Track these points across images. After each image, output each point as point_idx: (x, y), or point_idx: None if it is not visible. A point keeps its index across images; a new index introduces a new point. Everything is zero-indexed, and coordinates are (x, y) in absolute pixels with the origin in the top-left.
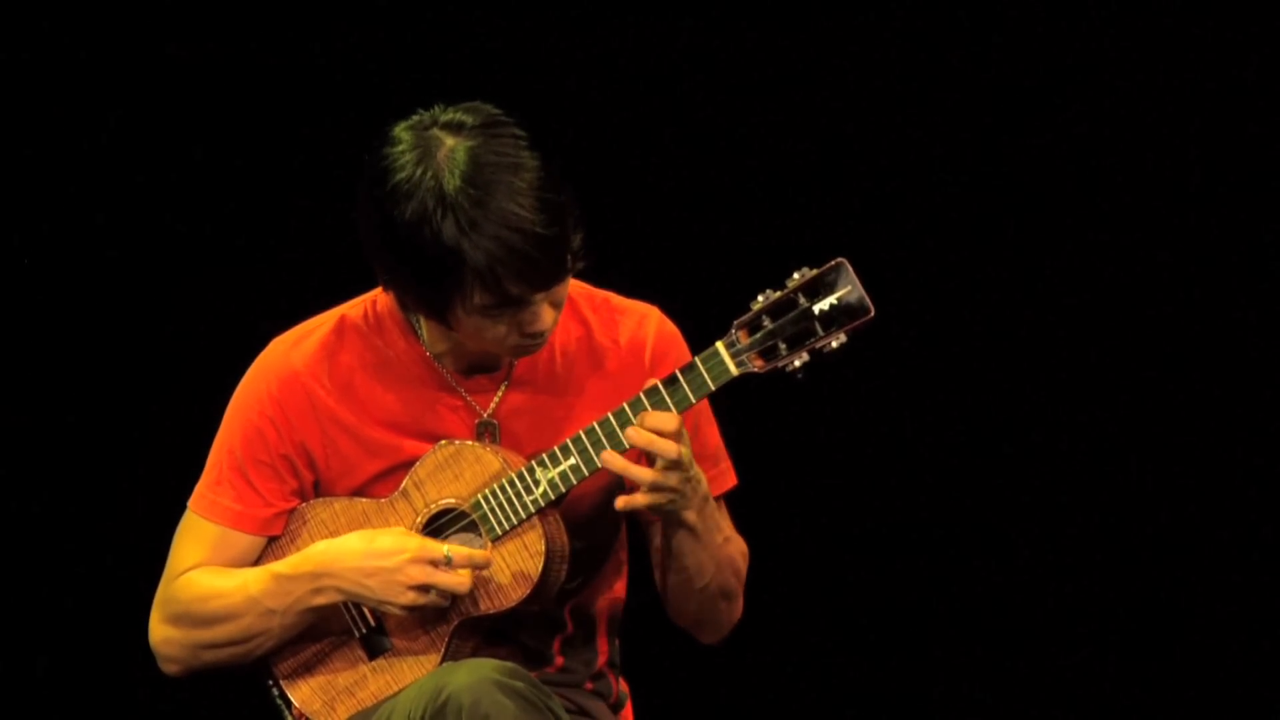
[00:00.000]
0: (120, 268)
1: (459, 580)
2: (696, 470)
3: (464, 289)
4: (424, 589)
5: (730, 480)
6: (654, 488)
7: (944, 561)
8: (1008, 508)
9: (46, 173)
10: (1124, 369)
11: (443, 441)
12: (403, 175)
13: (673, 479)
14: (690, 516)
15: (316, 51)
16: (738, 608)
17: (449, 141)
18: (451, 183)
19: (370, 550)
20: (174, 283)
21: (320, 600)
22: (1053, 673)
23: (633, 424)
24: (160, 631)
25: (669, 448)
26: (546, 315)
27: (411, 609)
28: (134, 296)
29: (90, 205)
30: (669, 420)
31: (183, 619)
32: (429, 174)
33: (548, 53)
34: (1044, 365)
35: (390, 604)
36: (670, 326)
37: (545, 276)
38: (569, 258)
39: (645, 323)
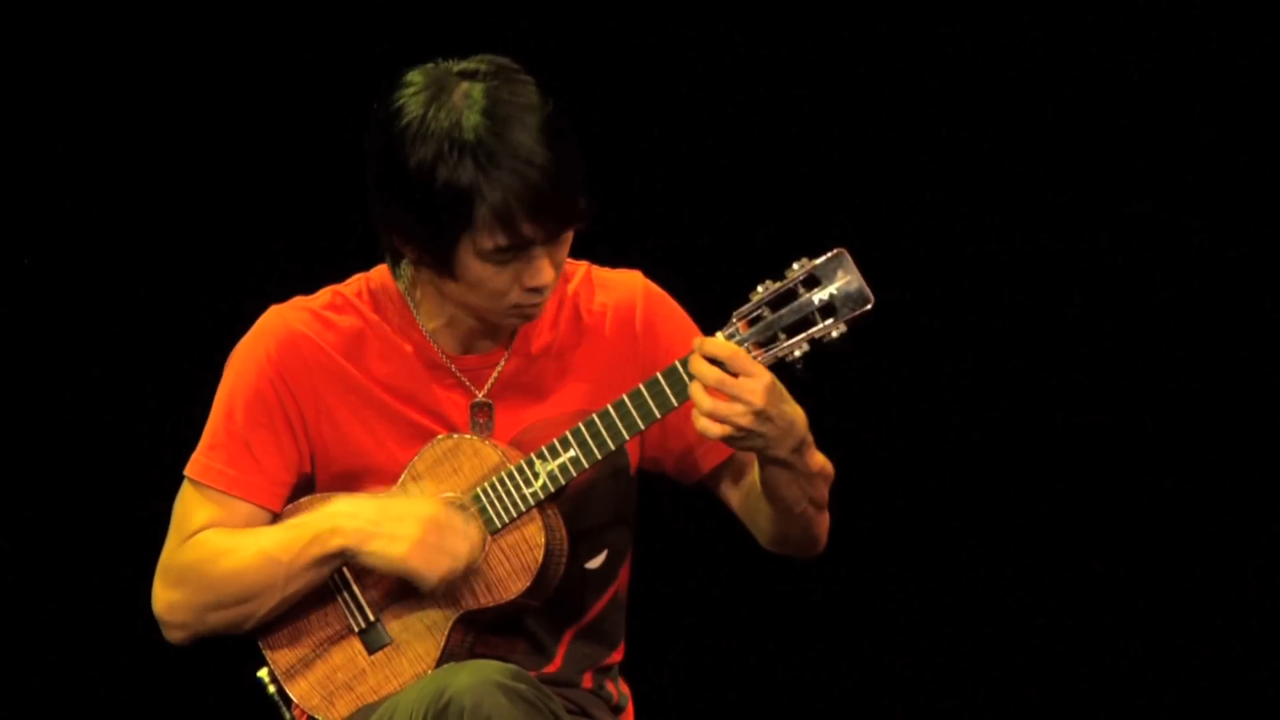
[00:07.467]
0: (118, 265)
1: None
2: (787, 410)
3: (474, 230)
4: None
5: None
6: (714, 417)
7: (947, 563)
8: (1009, 503)
9: (36, 164)
10: (1123, 359)
11: (440, 435)
12: (414, 115)
13: (738, 415)
14: (782, 455)
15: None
16: (827, 514)
17: (463, 85)
18: (470, 119)
19: (389, 504)
20: (171, 280)
21: (328, 547)
22: (1052, 668)
23: (634, 412)
24: (165, 597)
25: (709, 374)
26: (548, 270)
27: (405, 568)
28: (131, 294)
29: (87, 200)
30: (722, 349)
31: (190, 580)
32: (444, 113)
33: (549, 43)
34: (1046, 354)
35: (387, 556)
36: (655, 289)
37: (558, 215)
38: (580, 204)
39: (631, 288)
